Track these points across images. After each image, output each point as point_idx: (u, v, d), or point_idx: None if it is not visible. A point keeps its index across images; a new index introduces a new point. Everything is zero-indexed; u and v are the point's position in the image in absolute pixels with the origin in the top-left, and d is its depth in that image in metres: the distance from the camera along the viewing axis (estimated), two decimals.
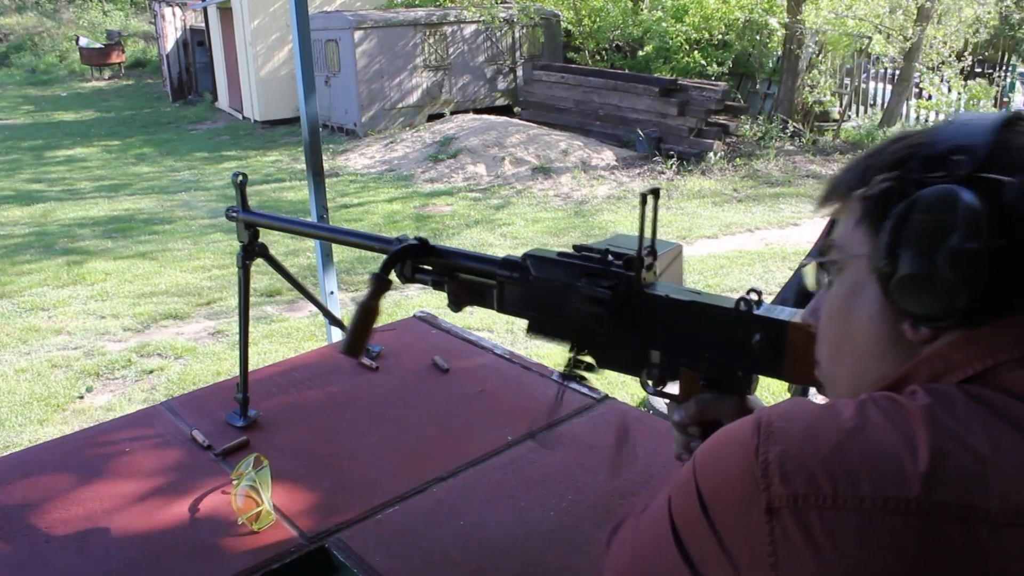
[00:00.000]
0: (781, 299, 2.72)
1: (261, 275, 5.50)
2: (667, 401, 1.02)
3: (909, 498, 0.54)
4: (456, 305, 1.23)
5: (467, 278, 1.20)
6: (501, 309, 1.15)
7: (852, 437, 0.57)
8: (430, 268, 1.25)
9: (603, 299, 0.99)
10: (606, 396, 1.74)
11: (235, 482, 1.43)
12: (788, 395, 2.75)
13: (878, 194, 0.64)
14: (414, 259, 1.24)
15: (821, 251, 0.73)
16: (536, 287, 1.09)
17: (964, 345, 0.62)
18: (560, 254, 1.07)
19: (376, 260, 1.24)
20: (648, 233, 0.97)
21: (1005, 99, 10.32)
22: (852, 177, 0.68)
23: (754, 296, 0.91)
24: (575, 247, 1.06)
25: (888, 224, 0.62)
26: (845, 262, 0.69)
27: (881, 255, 0.63)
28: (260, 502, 1.36)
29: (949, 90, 10.08)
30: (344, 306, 4.71)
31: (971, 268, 0.59)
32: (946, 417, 0.57)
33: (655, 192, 0.95)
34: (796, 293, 2.63)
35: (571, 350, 1.06)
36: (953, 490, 0.54)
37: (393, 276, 1.22)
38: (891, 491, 0.54)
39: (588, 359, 1.04)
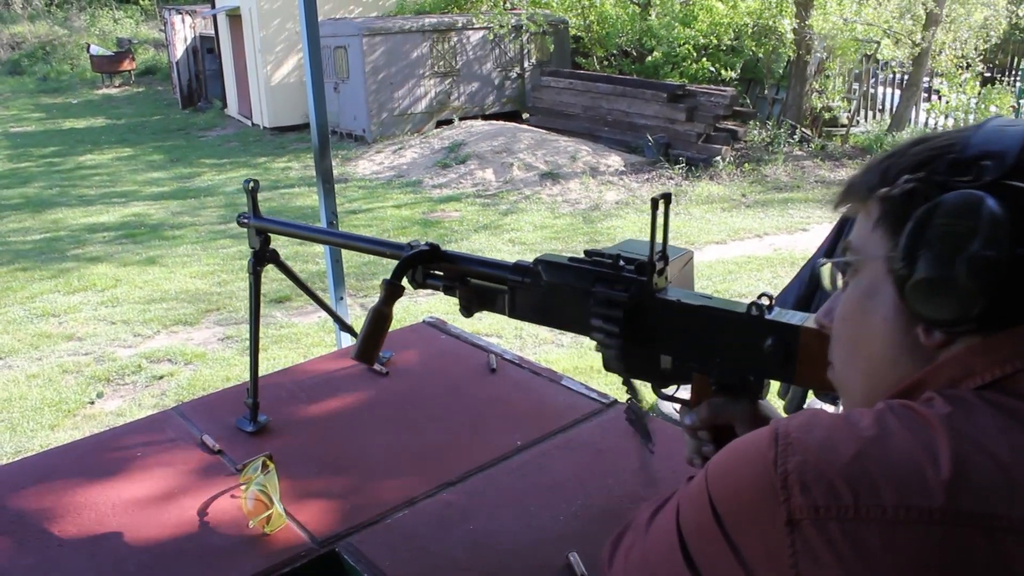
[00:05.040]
0: (780, 302, 2.71)
1: (271, 280, 5.52)
2: (679, 406, 1.02)
3: (932, 508, 0.53)
4: (467, 310, 1.23)
5: (478, 283, 1.20)
6: (512, 314, 1.15)
7: (872, 447, 0.56)
8: (441, 273, 1.25)
9: (618, 302, 0.99)
10: (615, 401, 1.74)
11: (244, 486, 1.43)
12: (779, 399, 2.73)
13: (900, 195, 0.63)
14: (425, 265, 1.24)
15: (836, 252, 0.72)
16: (548, 292, 1.09)
17: (983, 351, 0.61)
18: (571, 259, 1.07)
19: (385, 266, 1.24)
20: (660, 238, 0.98)
21: (1013, 104, 10.26)
22: (872, 178, 0.67)
23: (765, 301, 0.91)
24: (586, 252, 1.05)
25: (908, 226, 0.61)
26: (861, 263, 0.68)
27: (899, 257, 0.62)
28: (271, 505, 1.37)
29: (964, 94, 10.03)
30: (353, 312, 4.72)
31: (989, 275, 0.58)
32: (966, 424, 0.56)
33: (667, 197, 0.95)
34: (796, 297, 2.62)
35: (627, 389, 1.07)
36: (977, 499, 0.53)
37: (404, 282, 1.23)
38: (914, 500, 0.53)
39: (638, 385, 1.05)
